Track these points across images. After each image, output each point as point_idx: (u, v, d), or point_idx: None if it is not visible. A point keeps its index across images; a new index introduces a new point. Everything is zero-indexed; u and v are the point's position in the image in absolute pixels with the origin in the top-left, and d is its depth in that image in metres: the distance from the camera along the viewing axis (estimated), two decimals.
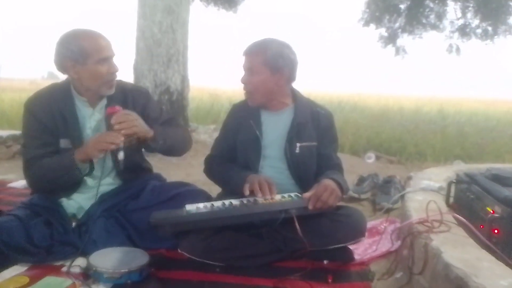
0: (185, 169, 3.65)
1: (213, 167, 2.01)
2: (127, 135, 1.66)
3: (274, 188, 1.74)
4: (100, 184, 1.78)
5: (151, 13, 5.18)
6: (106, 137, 1.65)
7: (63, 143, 1.79)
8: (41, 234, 1.64)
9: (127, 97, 1.91)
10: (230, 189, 1.85)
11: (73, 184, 1.84)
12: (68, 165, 1.71)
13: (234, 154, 1.97)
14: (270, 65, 1.80)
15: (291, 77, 1.89)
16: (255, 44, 1.85)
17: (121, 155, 1.66)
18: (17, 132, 4.72)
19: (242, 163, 1.93)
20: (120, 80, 2.02)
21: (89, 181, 1.88)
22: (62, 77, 1.92)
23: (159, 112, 2.00)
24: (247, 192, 1.70)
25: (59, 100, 1.82)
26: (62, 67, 1.77)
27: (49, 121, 1.78)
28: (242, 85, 1.89)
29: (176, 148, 1.96)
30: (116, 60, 1.83)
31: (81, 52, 1.71)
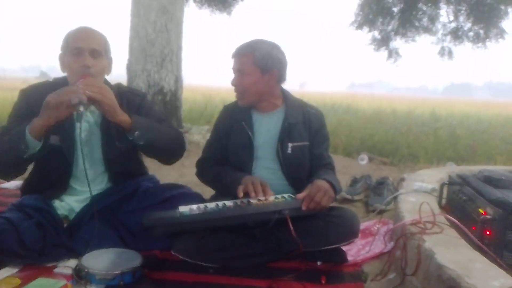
0: (178, 170, 3.64)
1: (205, 170, 2.01)
2: (92, 98, 1.55)
3: (269, 189, 1.74)
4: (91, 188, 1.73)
5: (145, 12, 5.16)
6: (64, 88, 1.54)
7: (53, 139, 1.73)
8: (33, 236, 1.60)
9: (122, 99, 1.86)
10: (224, 192, 1.85)
11: (59, 188, 1.82)
12: (17, 137, 1.56)
13: (226, 156, 1.97)
14: (260, 66, 1.81)
15: (281, 77, 1.90)
16: (243, 45, 1.85)
17: (81, 108, 1.51)
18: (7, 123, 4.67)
19: (234, 165, 1.93)
20: (119, 83, 2.00)
21: (78, 185, 1.85)
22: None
23: (153, 113, 1.93)
24: (241, 194, 1.69)
25: None
26: (59, 61, 1.78)
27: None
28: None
29: (161, 148, 1.80)
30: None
31: (64, 43, 1.74)
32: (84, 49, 1.70)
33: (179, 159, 1.93)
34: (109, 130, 1.78)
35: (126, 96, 1.90)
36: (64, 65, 1.77)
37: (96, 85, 1.61)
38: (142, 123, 1.71)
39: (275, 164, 1.91)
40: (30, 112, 1.70)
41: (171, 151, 1.89)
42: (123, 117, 1.65)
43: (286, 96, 1.97)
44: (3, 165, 1.68)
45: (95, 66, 1.72)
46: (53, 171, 1.76)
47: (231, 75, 1.89)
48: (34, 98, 1.75)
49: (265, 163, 1.92)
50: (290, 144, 1.88)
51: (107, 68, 1.84)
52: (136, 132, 1.67)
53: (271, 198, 1.74)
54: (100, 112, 1.71)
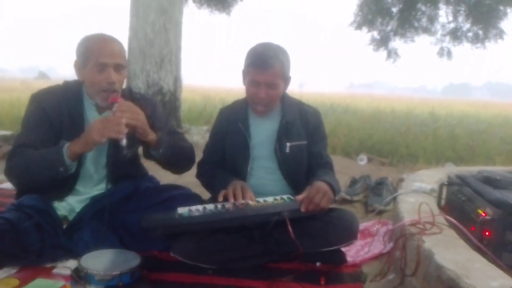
0: None
1: (202, 173, 2.02)
2: (128, 124, 1.61)
3: (249, 193, 1.73)
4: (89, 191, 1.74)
5: (144, 13, 5.16)
6: (111, 125, 1.58)
7: (63, 143, 1.70)
8: (32, 238, 1.60)
9: (135, 104, 1.88)
10: (215, 196, 1.86)
11: (65, 190, 1.82)
12: (55, 158, 1.61)
13: (225, 158, 1.97)
14: (285, 77, 1.84)
15: None
16: (270, 58, 1.76)
17: (124, 142, 1.59)
18: (8, 132, 4.68)
19: (232, 166, 1.94)
20: (129, 87, 1.99)
21: (81, 187, 1.85)
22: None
23: (164, 123, 1.96)
24: (220, 199, 1.70)
25: (69, 100, 1.78)
26: (74, 67, 1.77)
27: (55, 118, 1.73)
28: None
29: (177, 162, 1.90)
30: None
31: (85, 54, 1.70)
32: (109, 64, 1.68)
33: (188, 170, 2.00)
34: None
35: (139, 102, 1.88)
36: (81, 74, 1.75)
37: (131, 109, 1.65)
38: (167, 141, 1.77)
39: (273, 163, 1.91)
40: (48, 119, 1.73)
41: (185, 165, 1.97)
42: (152, 136, 1.72)
43: (283, 96, 1.98)
44: (33, 182, 1.71)
45: (119, 80, 1.74)
46: None
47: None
48: (50, 105, 1.74)
49: (263, 162, 1.92)
50: (288, 144, 1.88)
51: (126, 76, 1.83)
52: (161, 150, 1.74)
53: (270, 199, 1.75)
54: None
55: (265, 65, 1.75)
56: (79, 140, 1.62)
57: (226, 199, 1.71)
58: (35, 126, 1.74)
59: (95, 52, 1.68)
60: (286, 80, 1.87)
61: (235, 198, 1.69)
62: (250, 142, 1.90)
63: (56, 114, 1.74)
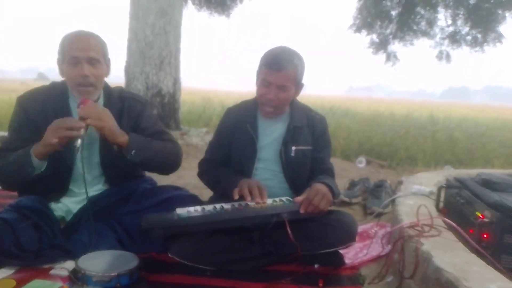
0: (177, 172, 3.62)
1: (205, 171, 2.01)
2: (91, 124, 1.60)
3: (265, 193, 1.73)
4: (88, 191, 1.73)
5: (143, 15, 5.17)
6: (65, 122, 1.56)
7: None
8: (30, 238, 1.60)
9: (124, 105, 1.88)
10: (220, 194, 1.85)
11: (59, 191, 1.82)
12: (23, 159, 1.62)
13: (228, 158, 1.97)
14: (297, 81, 1.84)
15: None
16: (284, 60, 1.77)
17: (78, 143, 1.56)
18: (7, 133, 4.66)
19: (237, 166, 1.93)
20: (120, 87, 1.98)
21: (75, 187, 1.84)
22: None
23: (152, 122, 1.94)
24: (236, 196, 1.69)
25: (54, 100, 1.78)
26: (57, 65, 1.76)
27: (40, 119, 1.73)
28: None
29: (156, 164, 1.85)
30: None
31: (61, 51, 1.72)
32: (81, 58, 1.68)
33: (174, 171, 1.96)
34: None
35: (128, 102, 1.90)
36: (62, 71, 1.76)
37: (95, 111, 1.63)
38: (139, 142, 1.73)
39: (277, 166, 1.92)
40: (29, 122, 1.73)
41: (166, 167, 1.92)
42: (122, 138, 1.69)
43: (292, 101, 1.98)
44: (12, 184, 1.76)
45: (94, 73, 1.72)
46: (53, 174, 1.75)
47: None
48: (31, 107, 1.75)
49: (267, 165, 1.93)
50: (293, 148, 1.89)
51: (106, 72, 1.82)
52: (133, 151, 1.70)
53: (269, 201, 1.74)
54: None
55: (278, 66, 1.76)
56: (40, 141, 1.60)
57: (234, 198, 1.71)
58: (17, 129, 1.77)
59: (70, 46, 1.69)
60: (298, 85, 1.87)
61: (253, 196, 1.69)
62: (257, 143, 1.91)
63: (40, 115, 1.74)
